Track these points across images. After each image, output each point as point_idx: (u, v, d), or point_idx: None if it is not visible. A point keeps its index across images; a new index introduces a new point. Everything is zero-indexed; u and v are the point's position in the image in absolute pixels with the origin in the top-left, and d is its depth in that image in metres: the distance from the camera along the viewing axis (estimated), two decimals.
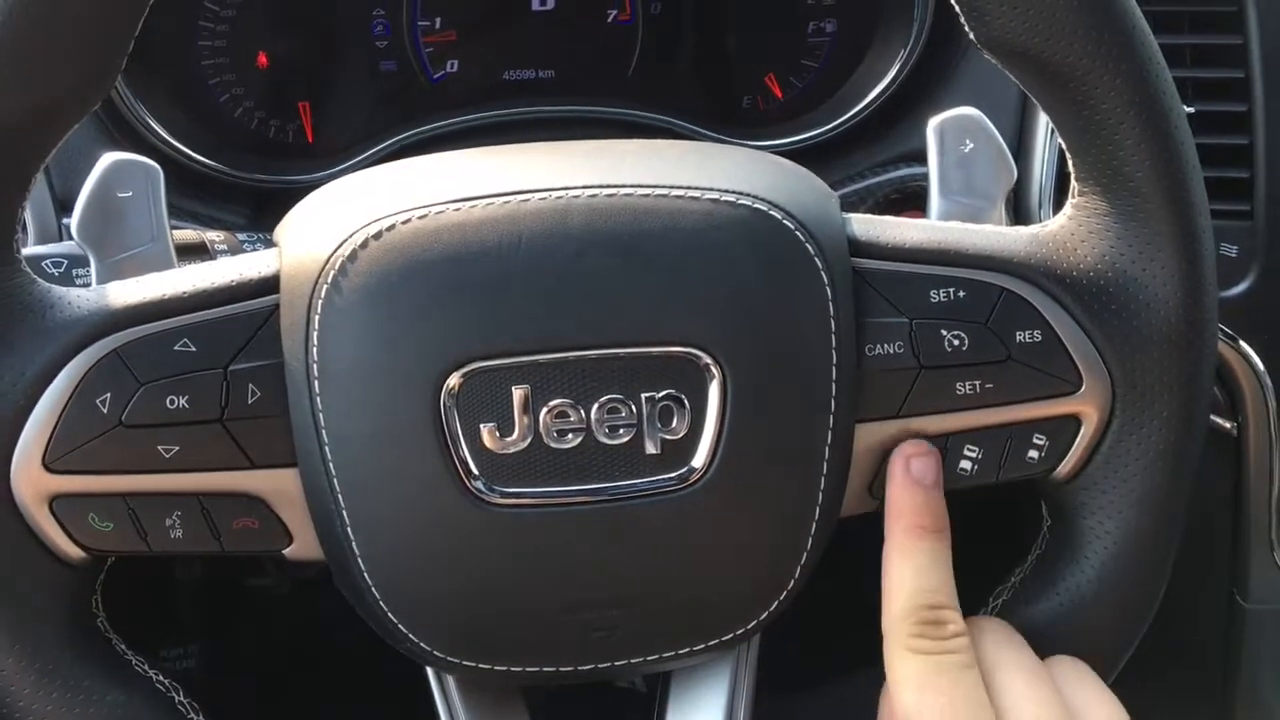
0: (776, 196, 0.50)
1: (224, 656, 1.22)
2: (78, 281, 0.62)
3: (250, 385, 0.48)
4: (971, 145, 0.58)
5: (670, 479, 0.48)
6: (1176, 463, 0.51)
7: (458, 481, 0.47)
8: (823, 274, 0.49)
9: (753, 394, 0.48)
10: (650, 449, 0.48)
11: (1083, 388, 0.51)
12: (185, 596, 1.17)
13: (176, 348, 0.47)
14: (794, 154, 0.82)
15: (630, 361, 0.48)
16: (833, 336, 0.49)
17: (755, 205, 0.49)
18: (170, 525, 0.49)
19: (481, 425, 0.47)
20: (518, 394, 0.47)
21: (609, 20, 0.89)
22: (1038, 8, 0.48)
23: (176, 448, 0.48)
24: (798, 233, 0.49)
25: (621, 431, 0.48)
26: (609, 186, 0.49)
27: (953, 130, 0.59)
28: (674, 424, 0.48)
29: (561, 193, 0.48)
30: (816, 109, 0.90)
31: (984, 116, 0.59)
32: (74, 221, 0.54)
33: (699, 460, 0.48)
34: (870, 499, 0.53)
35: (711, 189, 0.49)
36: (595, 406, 0.48)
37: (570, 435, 0.48)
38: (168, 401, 0.47)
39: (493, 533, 0.48)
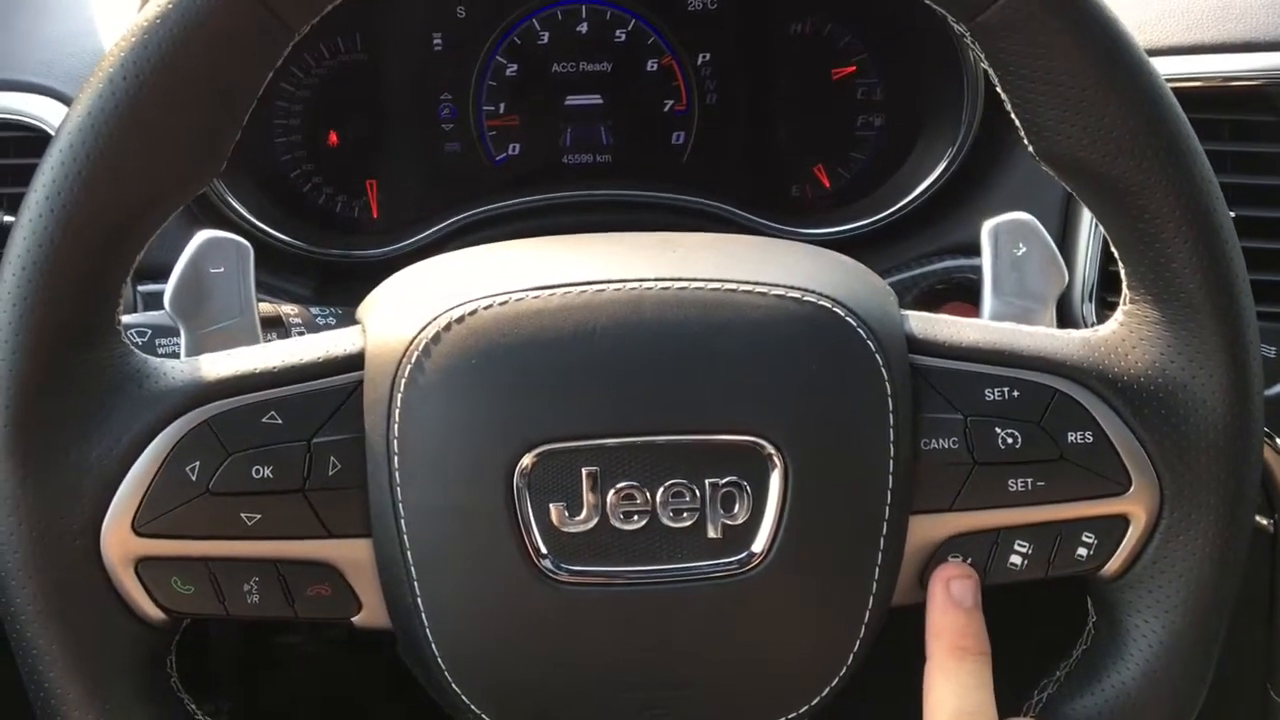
0: (839, 293, 0.52)
1: (255, 713, 1.23)
2: (159, 350, 0.65)
3: (331, 458, 0.50)
4: (1025, 249, 0.61)
5: (731, 563, 0.50)
6: (1222, 565, 0.53)
7: (526, 559, 0.49)
8: (883, 370, 0.51)
9: (813, 484, 0.50)
10: (712, 533, 0.50)
11: (1132, 488, 0.53)
12: (218, 653, 1.18)
13: (264, 420, 0.50)
14: (841, 243, 0.85)
15: (695, 448, 0.50)
16: (891, 430, 0.51)
17: (820, 302, 0.51)
18: (248, 590, 0.51)
19: (551, 505, 0.49)
20: (586, 475, 0.49)
21: (665, 110, 0.92)
22: (1094, 124, 0.50)
23: (259, 516, 0.50)
24: (859, 329, 0.51)
25: (685, 515, 0.50)
26: (681, 280, 0.51)
27: (1007, 233, 0.61)
28: (735, 510, 0.50)
29: (635, 285, 0.51)
30: (864, 200, 0.92)
31: (1036, 221, 0.61)
32: (167, 294, 0.57)
33: (759, 546, 0.50)
34: (920, 590, 0.54)
35: (777, 285, 0.51)
36: (661, 490, 0.49)
37: (636, 517, 0.49)
38: (253, 471, 0.49)
39: (558, 610, 0.50)
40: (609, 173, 0.92)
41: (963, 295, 0.85)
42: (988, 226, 0.61)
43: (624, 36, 0.91)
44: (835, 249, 0.58)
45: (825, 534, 0.51)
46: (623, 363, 0.50)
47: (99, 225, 0.47)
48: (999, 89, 0.52)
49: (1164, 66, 0.83)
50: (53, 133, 0.79)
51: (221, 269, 0.57)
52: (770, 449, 0.50)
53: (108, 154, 0.46)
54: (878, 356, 0.51)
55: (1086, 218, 0.84)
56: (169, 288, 0.57)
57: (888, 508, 0.51)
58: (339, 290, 0.84)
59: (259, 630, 1.17)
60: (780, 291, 0.51)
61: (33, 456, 0.48)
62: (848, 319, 0.51)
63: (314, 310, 0.71)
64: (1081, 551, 0.54)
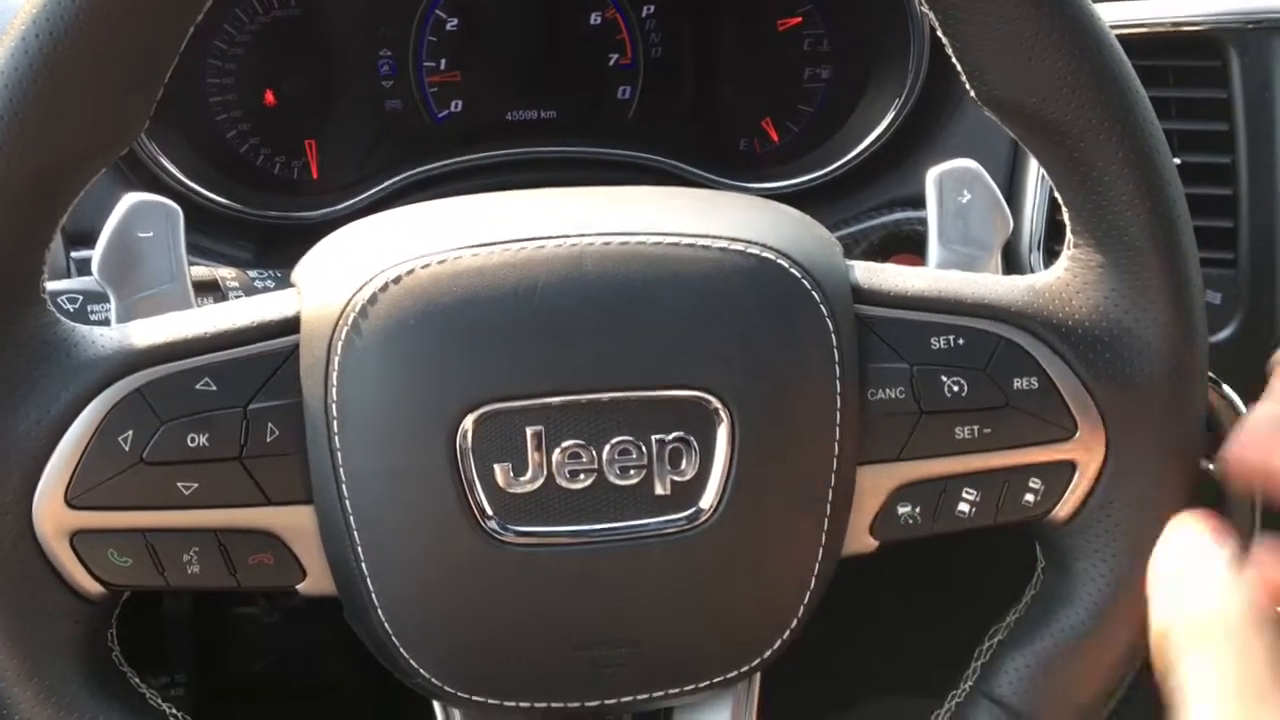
0: (783, 245, 0.51)
1: (212, 685, 1.23)
2: (92, 317, 0.63)
3: (269, 424, 0.49)
4: (969, 196, 0.60)
5: (679, 519, 0.50)
6: (1168, 508, 0.53)
7: (472, 520, 0.48)
8: (828, 320, 0.50)
9: (759, 437, 0.50)
10: (660, 490, 0.49)
11: (1078, 434, 0.53)
12: (173, 625, 1.17)
13: (198, 386, 0.49)
14: (789, 197, 0.84)
15: (640, 404, 0.49)
16: (837, 382, 0.50)
17: (763, 254, 0.50)
18: (188, 561, 0.50)
19: (495, 465, 0.48)
20: (531, 434, 0.48)
21: (610, 64, 0.91)
22: (1036, 67, 0.49)
23: (195, 485, 0.49)
24: (804, 280, 0.50)
25: (632, 473, 0.49)
26: (622, 234, 0.50)
27: (951, 181, 0.61)
28: (683, 466, 0.49)
29: (576, 240, 0.50)
30: (812, 153, 0.92)
31: (981, 168, 0.61)
32: (95, 260, 0.55)
33: (707, 501, 0.50)
34: (869, 539, 0.54)
35: (721, 237, 0.51)
36: (607, 448, 0.49)
37: (582, 475, 0.49)
38: (188, 439, 0.48)
39: (505, 571, 0.49)
40: (553, 129, 0.91)
41: (911, 247, 0.85)
42: (932, 174, 0.61)
43: None
44: (784, 203, 0.57)
45: (773, 487, 0.50)
46: (564, 320, 0.49)
47: (15, 190, 0.45)
48: (940, 34, 0.51)
49: (1111, 12, 0.83)
50: None
51: (150, 233, 0.56)
52: (716, 403, 0.49)
53: (21, 116, 0.44)
54: (822, 307, 0.50)
55: (1034, 167, 0.84)
56: (96, 253, 0.55)
57: (835, 459, 0.51)
58: (279, 253, 0.82)
59: (214, 601, 1.16)
60: (724, 244, 0.50)
61: None
62: (792, 270, 0.50)
63: (252, 274, 0.69)
64: (1029, 498, 0.54)
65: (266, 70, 0.87)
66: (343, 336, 0.48)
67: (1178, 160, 0.52)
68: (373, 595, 0.50)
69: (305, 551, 0.51)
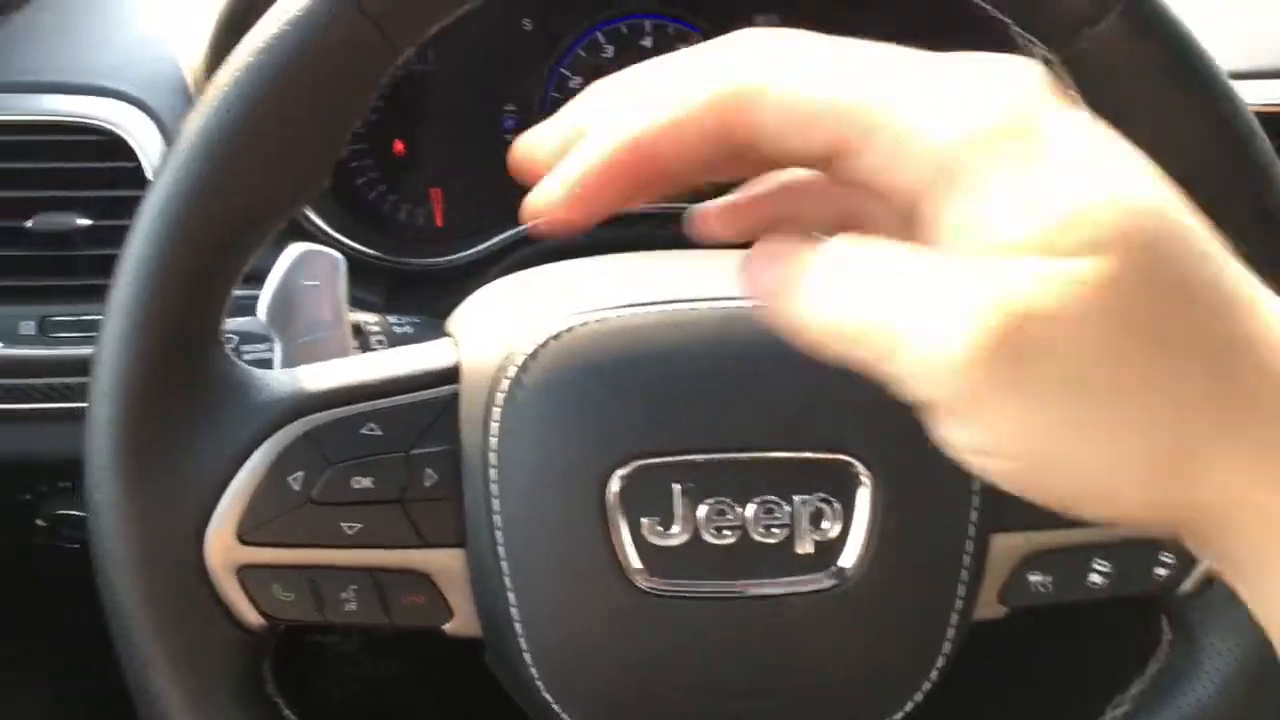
0: None
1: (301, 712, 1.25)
2: (245, 357, 0.66)
3: (428, 469, 0.51)
4: None
5: (820, 578, 0.51)
6: None
7: (619, 572, 0.50)
8: None
9: (900, 501, 0.51)
10: (802, 549, 0.51)
11: None
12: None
13: (363, 431, 0.51)
14: None
15: (785, 465, 0.51)
16: None
17: None
18: (346, 598, 0.52)
19: (644, 519, 0.50)
20: (678, 490, 0.50)
21: None
22: (1185, 146, 0.51)
23: (359, 525, 0.51)
24: None
25: (775, 531, 0.51)
26: None
27: None
28: (825, 526, 0.51)
29: (728, 302, 0.52)
30: None
31: None
32: (262, 305, 0.58)
33: (848, 561, 0.51)
34: (999, 606, 0.55)
35: None
36: (751, 505, 0.50)
37: (727, 532, 0.50)
38: (353, 482, 0.51)
39: (649, 622, 0.51)
40: None
41: None
42: None
43: None
44: None
45: (913, 550, 0.52)
46: (714, 380, 0.51)
47: (212, 237, 0.48)
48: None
49: (1258, 92, 0.83)
50: (125, 137, 0.81)
51: (316, 281, 0.58)
52: (859, 467, 0.51)
53: (222, 167, 0.48)
54: None
55: None
56: (264, 299, 0.58)
57: (972, 525, 0.52)
58: (405, 298, 0.85)
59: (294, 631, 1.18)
60: None
61: (141, 465, 0.49)
62: None
63: (391, 319, 0.72)
64: (1160, 570, 0.54)
65: (397, 121, 0.90)
66: (504, 388, 0.51)
67: None
68: (520, 640, 0.51)
69: (454, 593, 0.53)
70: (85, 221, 0.80)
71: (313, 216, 0.82)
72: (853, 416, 0.51)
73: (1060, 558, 0.54)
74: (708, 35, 0.90)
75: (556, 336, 0.51)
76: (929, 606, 0.52)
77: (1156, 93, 0.51)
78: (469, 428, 0.51)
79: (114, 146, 0.81)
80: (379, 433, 0.51)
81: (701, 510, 0.50)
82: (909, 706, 0.53)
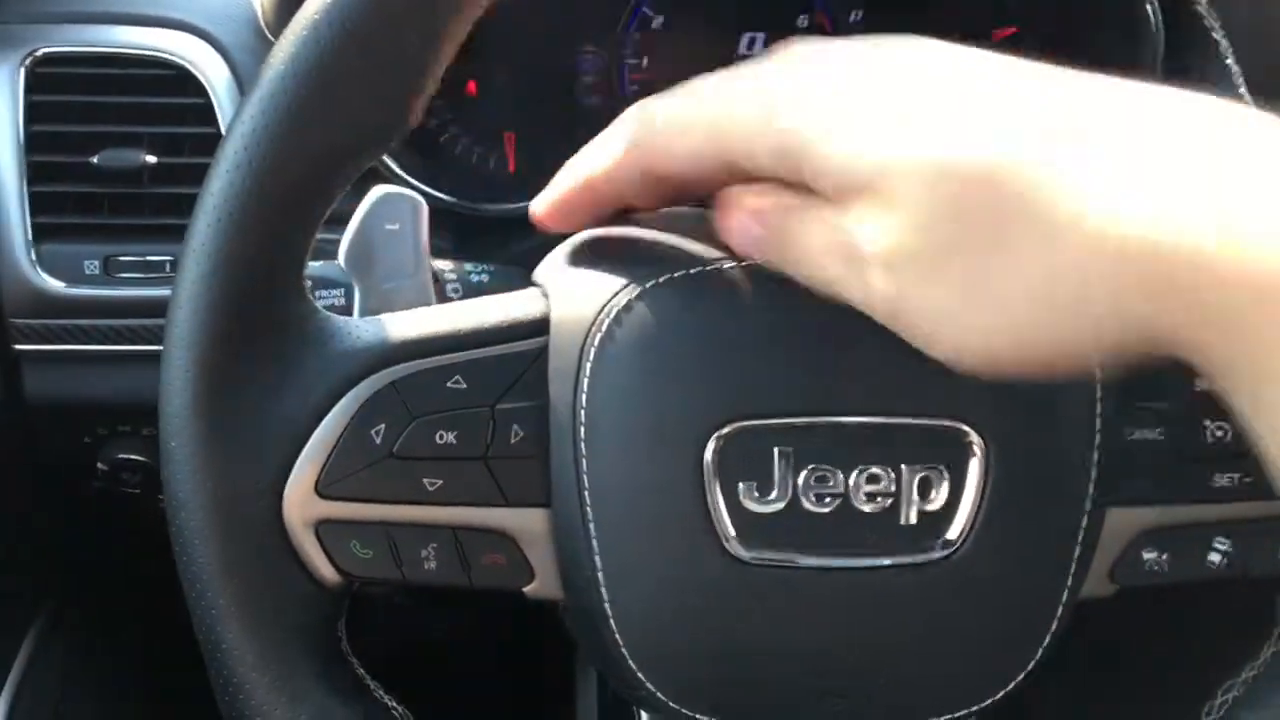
0: None
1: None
2: (319, 302, 0.64)
3: (514, 425, 0.49)
4: None
5: (923, 550, 0.48)
6: None
7: (713, 538, 0.48)
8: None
9: (1013, 472, 0.48)
10: (906, 519, 0.48)
11: None
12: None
13: (449, 384, 0.49)
14: None
15: (893, 431, 0.48)
16: (1097, 419, 0.49)
17: None
18: (425, 556, 0.50)
19: (740, 484, 0.48)
20: (778, 455, 0.47)
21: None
22: None
23: (440, 481, 0.49)
24: None
25: (879, 500, 0.48)
26: None
27: None
28: (932, 496, 0.48)
29: None
30: None
31: None
32: (343, 249, 0.56)
33: (954, 533, 0.48)
34: (1109, 583, 0.52)
35: None
36: (855, 473, 0.48)
37: (828, 499, 0.48)
38: (437, 436, 0.48)
39: (741, 591, 0.48)
40: None
41: None
42: None
43: None
44: None
45: (1023, 524, 0.49)
46: (819, 339, 0.48)
47: (293, 179, 0.46)
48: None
49: None
50: (194, 71, 0.78)
51: (397, 225, 0.56)
52: (972, 435, 0.48)
53: (306, 107, 0.45)
54: None
55: None
56: (344, 243, 0.56)
57: (1088, 499, 0.49)
58: (476, 244, 0.82)
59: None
60: None
61: (221, 413, 0.47)
62: None
63: (467, 266, 0.69)
64: None
65: (471, 61, 0.87)
66: (595, 342, 0.48)
67: None
68: (606, 604, 0.49)
69: (536, 555, 0.50)
70: (152, 159, 0.78)
71: (390, 162, 0.80)
72: (966, 382, 0.48)
73: (1178, 534, 0.51)
74: None
75: (651, 288, 0.48)
76: (1038, 583, 0.50)
77: None
78: (558, 383, 0.49)
79: (182, 81, 0.79)
80: (464, 386, 0.49)
81: (802, 476, 0.48)
82: (1010, 687, 0.51)
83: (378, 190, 0.56)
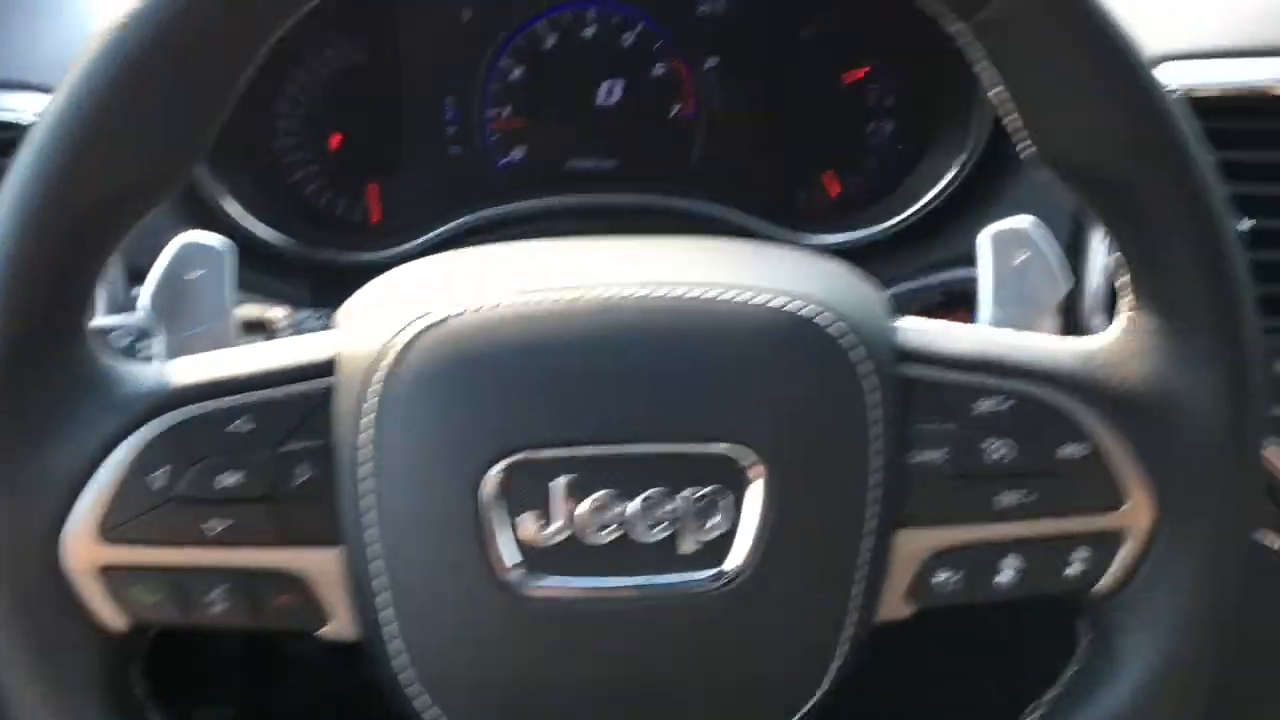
0: (827, 300, 0.50)
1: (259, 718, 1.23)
2: (140, 354, 0.64)
3: (299, 466, 0.49)
4: (1025, 255, 0.59)
5: (706, 578, 0.48)
6: (1218, 584, 0.51)
7: (495, 572, 0.48)
8: (869, 379, 0.49)
9: (793, 496, 0.48)
10: (687, 547, 0.48)
11: (1127, 504, 0.51)
12: (222, 658, 1.18)
13: (232, 426, 0.49)
14: (847, 252, 0.83)
15: (673, 459, 0.48)
16: (876, 442, 0.49)
17: (805, 309, 0.49)
18: (213, 600, 0.50)
19: (521, 515, 0.48)
20: (559, 485, 0.48)
21: (671, 115, 0.91)
22: (1094, 126, 0.48)
23: (226, 523, 0.49)
24: (847, 338, 0.49)
25: (661, 528, 0.48)
26: (662, 285, 0.50)
27: (1005, 241, 0.59)
28: (712, 523, 0.48)
29: (615, 291, 0.49)
30: (872, 208, 0.91)
31: (1039, 225, 0.59)
32: (143, 297, 0.56)
33: (735, 562, 0.48)
34: (906, 605, 0.52)
35: (763, 291, 0.50)
36: (636, 502, 0.48)
37: (610, 529, 0.48)
38: (221, 479, 0.48)
39: (526, 625, 0.48)
40: (615, 178, 0.91)
41: (967, 305, 0.83)
42: (985, 234, 0.59)
43: (632, 40, 0.90)
44: (842, 257, 0.57)
45: (806, 548, 0.49)
46: (599, 371, 0.48)
47: (65, 224, 0.46)
48: (998, 89, 0.50)
49: (1185, 74, 0.81)
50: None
51: (200, 272, 0.56)
52: (751, 460, 0.48)
53: (74, 152, 0.45)
54: (863, 366, 0.49)
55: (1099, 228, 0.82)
56: (145, 290, 0.56)
57: (870, 522, 0.49)
58: (335, 294, 0.82)
59: (264, 636, 1.16)
60: (765, 298, 0.50)
61: None
62: (834, 326, 0.49)
63: (302, 314, 0.70)
64: (1073, 569, 0.52)
65: (334, 114, 0.88)
66: (377, 380, 0.48)
67: (1251, 223, 0.50)
68: (396, 642, 0.49)
69: (330, 596, 0.50)
70: None
71: (233, 209, 0.81)
72: (745, 408, 0.49)
73: (970, 554, 0.52)
74: (653, 21, 0.89)
75: (432, 327, 0.49)
76: (823, 609, 0.50)
77: (1069, 70, 0.48)
78: (343, 422, 0.49)
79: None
80: (249, 427, 0.49)
81: (584, 506, 0.48)
82: (802, 712, 0.51)
83: (181, 238, 0.57)
